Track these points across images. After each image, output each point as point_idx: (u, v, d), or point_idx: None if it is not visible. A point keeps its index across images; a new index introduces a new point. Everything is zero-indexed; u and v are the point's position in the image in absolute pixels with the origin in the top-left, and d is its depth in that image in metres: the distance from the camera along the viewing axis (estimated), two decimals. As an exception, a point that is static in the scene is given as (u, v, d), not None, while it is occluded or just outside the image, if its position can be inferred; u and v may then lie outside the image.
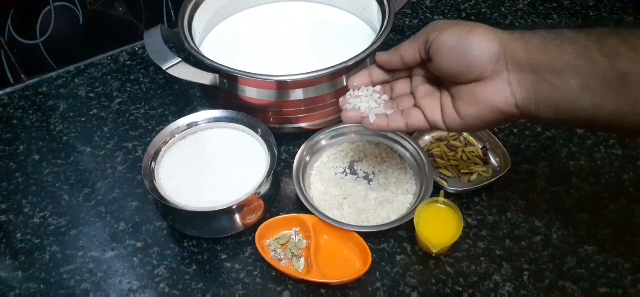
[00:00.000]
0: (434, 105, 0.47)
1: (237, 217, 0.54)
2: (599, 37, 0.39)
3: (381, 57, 0.50)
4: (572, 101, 0.40)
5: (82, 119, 0.71)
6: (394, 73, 0.51)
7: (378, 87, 0.51)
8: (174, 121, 0.59)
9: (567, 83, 0.39)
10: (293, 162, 0.59)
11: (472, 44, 0.42)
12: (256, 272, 0.54)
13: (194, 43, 0.63)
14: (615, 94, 0.38)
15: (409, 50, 0.48)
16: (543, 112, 0.42)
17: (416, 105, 0.49)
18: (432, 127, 0.48)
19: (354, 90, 0.51)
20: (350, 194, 0.59)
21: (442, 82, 0.48)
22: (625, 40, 0.37)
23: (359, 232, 0.53)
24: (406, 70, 0.50)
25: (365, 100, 0.50)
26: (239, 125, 0.60)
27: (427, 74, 0.49)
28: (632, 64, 0.37)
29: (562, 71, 0.39)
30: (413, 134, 0.63)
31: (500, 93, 0.43)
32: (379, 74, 0.51)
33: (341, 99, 0.51)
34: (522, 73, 0.42)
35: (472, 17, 0.84)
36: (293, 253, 0.54)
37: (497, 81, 0.43)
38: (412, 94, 0.50)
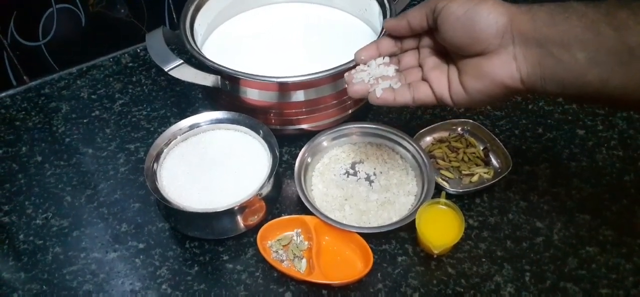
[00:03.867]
0: (441, 79, 0.47)
1: (239, 218, 0.54)
2: (607, 10, 0.38)
3: (389, 22, 0.50)
4: (578, 76, 0.39)
5: (84, 121, 0.71)
6: (401, 43, 0.50)
7: (386, 58, 0.50)
8: (176, 122, 0.59)
9: (574, 57, 0.39)
10: (294, 164, 0.59)
11: (480, 15, 0.42)
12: (258, 273, 0.54)
13: (196, 44, 0.63)
14: (622, 68, 0.37)
15: (416, 16, 0.47)
16: (549, 86, 0.41)
17: (423, 79, 0.48)
18: (438, 102, 0.48)
19: (361, 65, 0.50)
20: (351, 195, 0.59)
21: (449, 55, 0.47)
22: (634, 13, 0.37)
23: (360, 233, 0.54)
24: (414, 41, 0.50)
25: (373, 70, 0.49)
26: (240, 126, 0.60)
27: (435, 45, 0.48)
28: None
29: (569, 45, 0.39)
30: (414, 135, 0.63)
31: (505, 67, 0.42)
32: (386, 47, 0.50)
33: (347, 74, 0.51)
34: (528, 47, 0.41)
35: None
36: (294, 254, 0.54)
37: (503, 55, 0.42)
38: (420, 66, 0.49)
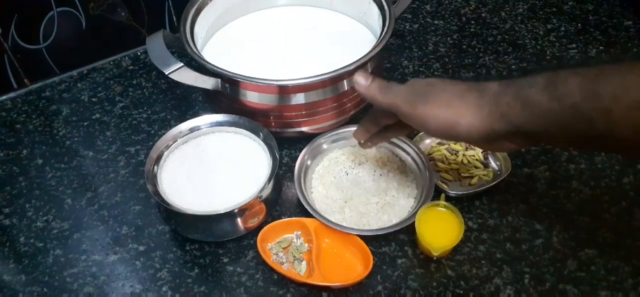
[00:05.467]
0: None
1: (239, 220, 0.54)
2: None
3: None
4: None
5: (85, 123, 0.71)
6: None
7: None
8: (176, 125, 0.60)
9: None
10: (294, 166, 0.59)
11: (459, 136, 0.46)
12: (258, 276, 0.54)
13: (196, 48, 0.63)
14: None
15: (370, 126, 0.55)
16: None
17: None
18: None
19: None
20: (351, 198, 0.59)
21: None
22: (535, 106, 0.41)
23: (360, 236, 0.54)
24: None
25: None
26: (240, 129, 0.60)
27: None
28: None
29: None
30: (413, 137, 0.63)
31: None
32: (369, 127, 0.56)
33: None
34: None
35: (472, 22, 0.85)
36: (294, 256, 0.54)
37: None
38: None
